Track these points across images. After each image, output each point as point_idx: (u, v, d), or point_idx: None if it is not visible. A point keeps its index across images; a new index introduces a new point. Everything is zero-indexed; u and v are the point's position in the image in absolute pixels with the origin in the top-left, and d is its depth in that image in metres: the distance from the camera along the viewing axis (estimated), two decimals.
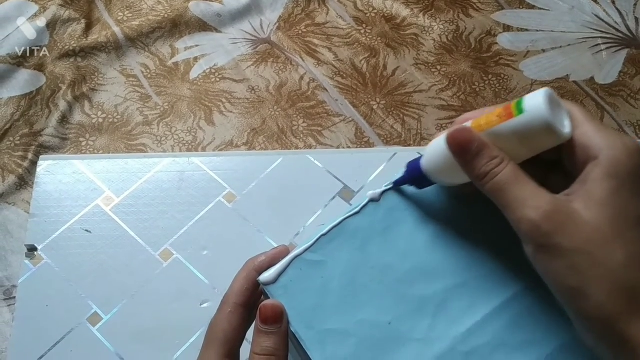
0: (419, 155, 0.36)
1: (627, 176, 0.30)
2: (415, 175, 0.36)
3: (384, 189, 0.37)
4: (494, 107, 0.33)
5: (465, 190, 0.35)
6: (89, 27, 1.28)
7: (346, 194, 0.61)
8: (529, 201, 0.30)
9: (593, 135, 0.31)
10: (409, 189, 0.38)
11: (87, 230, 0.59)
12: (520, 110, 0.31)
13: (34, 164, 1.06)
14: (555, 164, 0.34)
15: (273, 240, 0.58)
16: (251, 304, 0.37)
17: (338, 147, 1.12)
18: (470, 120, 0.34)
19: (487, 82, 1.23)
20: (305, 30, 1.30)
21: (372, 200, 0.37)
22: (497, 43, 1.29)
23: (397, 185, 0.37)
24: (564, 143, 0.32)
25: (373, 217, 0.37)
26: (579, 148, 0.32)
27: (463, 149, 0.32)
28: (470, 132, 0.33)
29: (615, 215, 0.29)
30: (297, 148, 1.12)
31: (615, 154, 0.30)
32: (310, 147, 1.12)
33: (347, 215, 0.36)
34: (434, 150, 0.35)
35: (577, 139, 0.32)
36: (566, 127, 0.32)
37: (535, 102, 0.31)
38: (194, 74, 1.22)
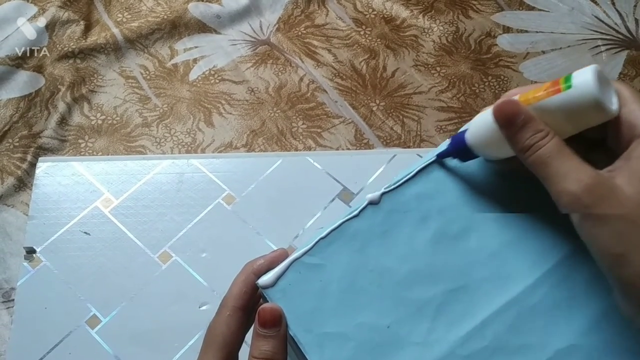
0: (465, 128, 0.36)
1: None
2: (459, 147, 0.37)
3: (383, 191, 0.37)
4: (541, 84, 0.34)
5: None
6: (88, 29, 1.28)
7: (345, 195, 0.61)
8: (571, 174, 0.31)
9: None
10: (411, 189, 0.37)
11: (85, 233, 0.59)
12: (568, 85, 0.31)
13: (32, 165, 1.05)
14: (598, 143, 0.34)
15: (272, 242, 0.58)
16: (250, 308, 0.37)
17: (337, 149, 1.12)
18: (518, 95, 0.34)
19: (486, 84, 1.22)
20: (304, 32, 1.29)
21: (371, 203, 0.37)
22: (496, 44, 1.29)
23: (440, 158, 0.38)
24: (610, 120, 0.32)
25: (372, 219, 0.36)
26: (624, 126, 0.32)
27: (509, 121, 0.33)
28: (517, 105, 0.33)
29: None
30: (296, 150, 1.12)
31: None
32: (309, 148, 1.12)
33: (346, 218, 0.36)
34: (480, 122, 0.35)
35: (624, 117, 0.32)
36: (614, 104, 0.32)
37: (584, 77, 0.31)
38: (193, 75, 1.22)
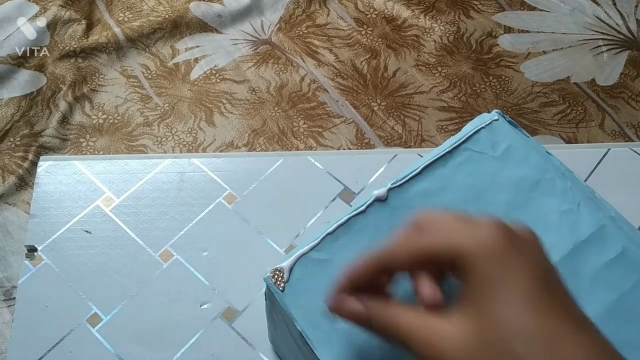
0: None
1: None
2: None
3: (389, 187, 0.37)
4: None
5: None
6: (89, 28, 1.28)
7: (346, 195, 0.60)
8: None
9: None
10: (416, 186, 0.37)
11: (87, 231, 0.59)
12: None
13: (34, 164, 1.06)
14: None
15: (273, 241, 0.58)
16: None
17: (338, 149, 1.12)
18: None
19: (487, 84, 1.22)
20: (305, 31, 1.29)
21: (377, 199, 0.37)
22: (497, 44, 1.29)
23: None
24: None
25: (379, 215, 0.36)
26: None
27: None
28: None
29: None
30: (297, 149, 1.12)
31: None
32: (310, 148, 1.12)
33: (353, 213, 0.36)
34: None
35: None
36: None
37: None
38: (195, 74, 1.22)
